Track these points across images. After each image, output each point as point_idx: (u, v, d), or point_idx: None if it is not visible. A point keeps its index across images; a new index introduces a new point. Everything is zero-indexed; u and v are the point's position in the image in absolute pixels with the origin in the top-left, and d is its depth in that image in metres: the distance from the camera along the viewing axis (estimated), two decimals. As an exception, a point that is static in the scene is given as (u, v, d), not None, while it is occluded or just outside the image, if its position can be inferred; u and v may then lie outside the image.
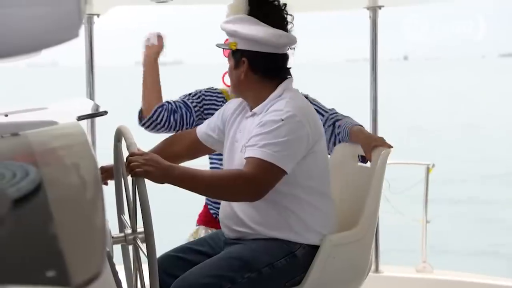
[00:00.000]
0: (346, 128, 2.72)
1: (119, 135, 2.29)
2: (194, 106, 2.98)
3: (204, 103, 3.01)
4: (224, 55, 2.70)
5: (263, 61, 2.47)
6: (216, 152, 2.83)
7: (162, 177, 2.21)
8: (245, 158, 2.33)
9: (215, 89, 3.06)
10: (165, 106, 2.96)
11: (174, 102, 2.99)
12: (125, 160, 2.24)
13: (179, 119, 2.96)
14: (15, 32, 0.86)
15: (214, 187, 2.32)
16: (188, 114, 2.96)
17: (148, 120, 2.97)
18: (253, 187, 2.29)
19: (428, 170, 4.23)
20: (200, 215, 3.14)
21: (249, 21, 2.45)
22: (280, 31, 2.44)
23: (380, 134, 3.93)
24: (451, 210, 10.89)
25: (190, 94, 3.04)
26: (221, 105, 2.88)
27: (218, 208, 2.85)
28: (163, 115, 2.96)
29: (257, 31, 2.42)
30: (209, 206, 3.07)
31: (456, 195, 12.27)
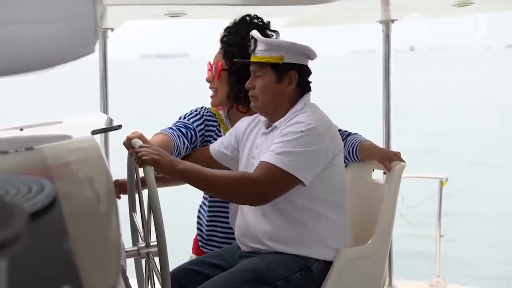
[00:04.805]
0: (356, 142, 2.65)
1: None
2: (197, 126, 2.77)
3: (206, 124, 2.81)
4: (212, 79, 2.68)
5: (307, 75, 2.47)
6: None
7: (168, 167, 2.25)
8: (259, 162, 2.33)
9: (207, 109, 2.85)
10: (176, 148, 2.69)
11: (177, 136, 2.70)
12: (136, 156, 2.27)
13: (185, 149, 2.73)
14: (32, 48, 0.86)
15: (217, 185, 2.30)
16: (193, 138, 2.74)
17: None
18: (257, 190, 2.28)
19: (441, 184, 4.22)
20: (194, 242, 2.96)
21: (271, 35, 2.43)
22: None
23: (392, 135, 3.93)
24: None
25: (190, 114, 2.81)
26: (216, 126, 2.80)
27: (207, 241, 2.82)
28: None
29: (300, 44, 2.41)
30: (198, 238, 2.91)
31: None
